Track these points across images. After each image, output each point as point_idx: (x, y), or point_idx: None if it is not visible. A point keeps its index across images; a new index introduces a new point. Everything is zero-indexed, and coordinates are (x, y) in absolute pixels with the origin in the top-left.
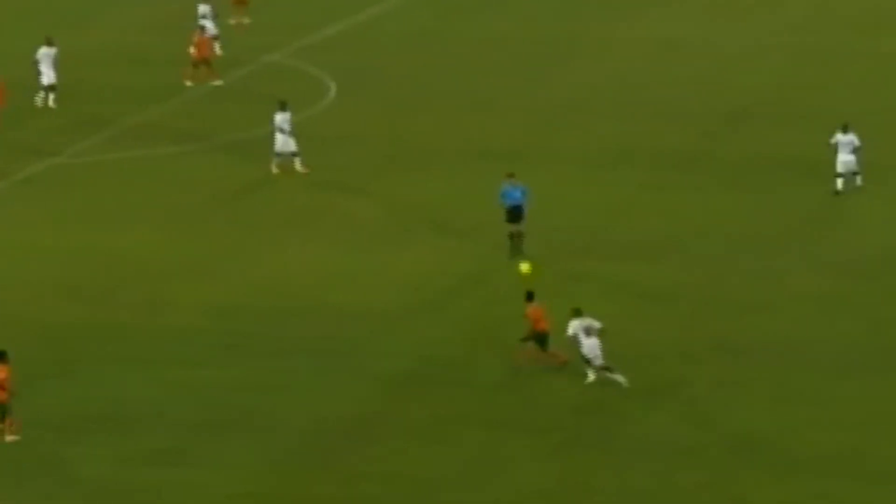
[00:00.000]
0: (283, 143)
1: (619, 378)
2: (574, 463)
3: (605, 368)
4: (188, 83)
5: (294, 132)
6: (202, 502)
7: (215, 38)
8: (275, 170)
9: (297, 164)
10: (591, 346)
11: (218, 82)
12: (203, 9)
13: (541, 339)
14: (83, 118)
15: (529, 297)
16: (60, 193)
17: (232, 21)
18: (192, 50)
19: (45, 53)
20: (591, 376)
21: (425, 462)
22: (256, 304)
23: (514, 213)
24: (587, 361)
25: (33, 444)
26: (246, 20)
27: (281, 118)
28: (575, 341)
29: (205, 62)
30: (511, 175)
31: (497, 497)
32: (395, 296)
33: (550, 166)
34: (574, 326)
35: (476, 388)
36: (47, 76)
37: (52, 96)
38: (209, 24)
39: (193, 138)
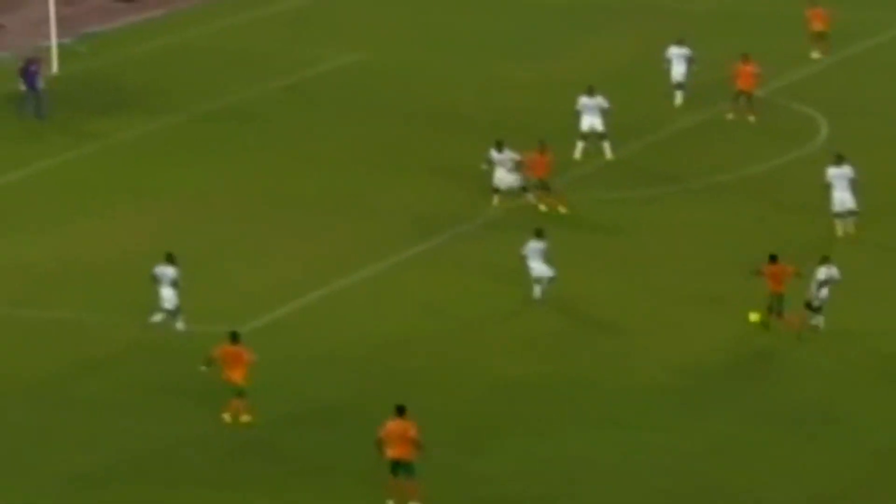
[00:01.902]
0: (841, 200)
1: (817, 322)
2: None
3: (812, 309)
4: (729, 116)
5: (855, 189)
6: None
7: (679, 85)
8: (840, 233)
9: (851, 226)
10: (821, 294)
11: (751, 118)
12: (676, 51)
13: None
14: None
15: (773, 258)
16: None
17: (814, 55)
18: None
19: (585, 103)
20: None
21: None
22: (721, 360)
23: None
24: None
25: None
26: (821, 55)
27: (837, 173)
28: (815, 286)
29: (745, 95)
30: None
31: None
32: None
33: None
34: (821, 273)
35: None
36: (588, 123)
37: (605, 145)
38: (680, 68)
39: (668, 180)
